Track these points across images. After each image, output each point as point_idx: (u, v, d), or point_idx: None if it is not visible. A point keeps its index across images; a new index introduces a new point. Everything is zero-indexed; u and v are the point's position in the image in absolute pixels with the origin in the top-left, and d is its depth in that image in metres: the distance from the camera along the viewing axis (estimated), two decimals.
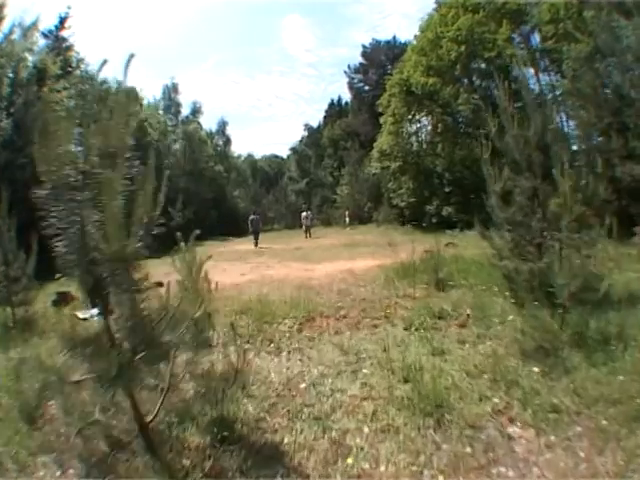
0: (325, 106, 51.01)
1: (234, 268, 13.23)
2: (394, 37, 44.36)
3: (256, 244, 21.60)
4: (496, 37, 20.65)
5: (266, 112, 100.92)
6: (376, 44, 44.50)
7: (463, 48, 21.10)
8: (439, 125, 23.56)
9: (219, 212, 32.18)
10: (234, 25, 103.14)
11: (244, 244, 23.66)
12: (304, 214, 25.73)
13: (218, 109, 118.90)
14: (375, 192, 33.72)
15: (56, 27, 21.84)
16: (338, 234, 25.81)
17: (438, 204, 22.05)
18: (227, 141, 40.95)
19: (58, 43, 21.20)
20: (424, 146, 25.16)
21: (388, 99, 26.10)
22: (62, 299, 8.69)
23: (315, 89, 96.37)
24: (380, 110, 27.57)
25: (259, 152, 58.60)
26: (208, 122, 38.91)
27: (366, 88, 44.41)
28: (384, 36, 45.66)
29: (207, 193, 31.44)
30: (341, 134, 44.86)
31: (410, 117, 25.53)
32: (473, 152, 21.19)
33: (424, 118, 25.46)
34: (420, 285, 8.15)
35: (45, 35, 20.75)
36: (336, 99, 49.95)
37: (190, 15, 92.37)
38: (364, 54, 44.82)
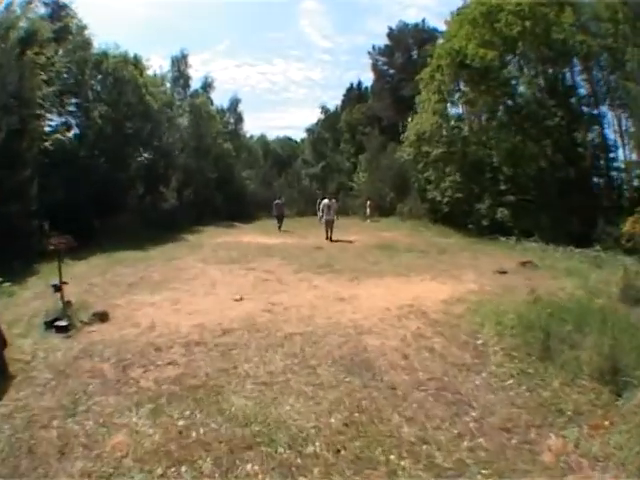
0: (340, 93, 46.87)
1: (228, 281, 8.58)
2: (423, 20, 39.11)
3: (279, 227, 20.58)
4: (562, 20, 16.29)
5: (281, 96, 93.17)
6: (403, 26, 39.13)
7: (528, 24, 16.27)
8: (500, 108, 18.21)
9: (225, 193, 27.27)
10: (251, 7, 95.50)
11: (251, 233, 18.90)
12: (325, 202, 16.57)
13: (232, 92, 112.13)
14: (399, 182, 29.11)
15: None
16: (360, 228, 20.89)
17: (491, 204, 16.97)
18: (239, 119, 35.42)
19: (58, 10, 18.72)
20: (474, 131, 19.65)
21: (431, 74, 20.91)
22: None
23: (330, 75, 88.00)
24: (421, 86, 22.25)
25: (272, 135, 52.52)
26: (221, 101, 34.10)
27: (391, 72, 39.34)
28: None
29: (212, 172, 26.61)
30: (360, 118, 40.11)
31: (459, 96, 20.29)
32: (529, 145, 16.89)
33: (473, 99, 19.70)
34: (581, 379, 3.95)
35: (46, 4, 18.33)
36: (355, 83, 45.06)
37: None
38: (390, 35, 39.55)
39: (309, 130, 46.00)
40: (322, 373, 4.12)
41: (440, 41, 22.24)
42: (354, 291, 7.57)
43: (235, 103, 34.84)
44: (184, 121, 26.13)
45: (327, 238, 15.85)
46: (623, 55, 14.90)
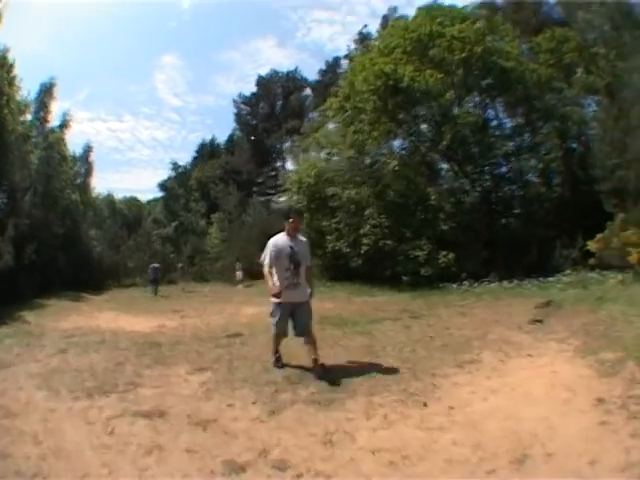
0: (184, 155, 44.37)
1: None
2: (296, 69, 39.03)
3: (156, 292, 20.18)
4: (509, 50, 15.89)
5: (126, 156, 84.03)
6: (274, 74, 38.46)
7: (480, 50, 14.87)
8: (446, 137, 15.48)
9: (70, 255, 21.58)
10: (115, 56, 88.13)
11: (108, 310, 13.52)
12: (276, 242, 5.04)
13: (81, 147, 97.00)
14: (264, 240, 26.72)
15: None
16: (244, 296, 16.65)
17: (431, 249, 14.20)
18: (89, 169, 28.97)
19: None
20: (402, 165, 16.36)
21: (340, 103, 18.16)
22: None
23: (176, 136, 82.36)
24: (329, 116, 20.18)
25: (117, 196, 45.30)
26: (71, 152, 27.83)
27: (254, 122, 38.03)
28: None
29: (59, 227, 21.08)
30: (212, 176, 37.79)
31: (379, 127, 16.77)
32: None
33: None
34: None
35: None
36: (208, 140, 42.56)
37: (75, 41, 78.13)
38: (259, 83, 38.33)
39: (161, 186, 41.29)
40: None
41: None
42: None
43: (87, 150, 29.18)
44: (35, 159, 20.55)
45: (277, 357, 5.27)
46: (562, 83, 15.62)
